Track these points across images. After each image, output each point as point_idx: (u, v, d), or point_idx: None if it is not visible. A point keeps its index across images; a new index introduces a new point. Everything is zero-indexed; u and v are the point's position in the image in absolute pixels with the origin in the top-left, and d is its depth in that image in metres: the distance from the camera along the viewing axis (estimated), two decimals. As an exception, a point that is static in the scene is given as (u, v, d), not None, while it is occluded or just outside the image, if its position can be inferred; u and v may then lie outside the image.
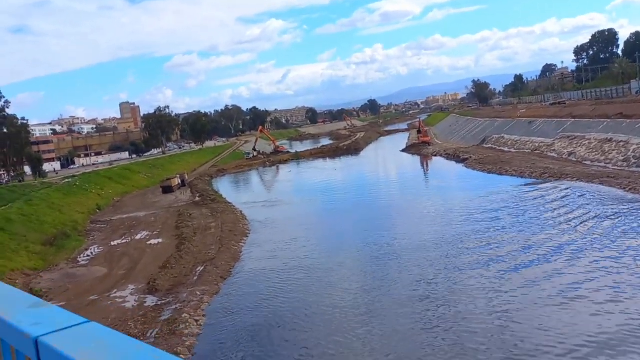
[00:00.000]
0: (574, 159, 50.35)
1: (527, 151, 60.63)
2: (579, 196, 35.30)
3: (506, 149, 65.46)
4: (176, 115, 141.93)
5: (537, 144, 60.63)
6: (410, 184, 54.00)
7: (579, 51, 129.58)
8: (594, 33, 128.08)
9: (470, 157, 62.22)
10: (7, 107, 77.25)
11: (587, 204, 32.77)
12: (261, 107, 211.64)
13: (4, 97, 76.98)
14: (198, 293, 25.12)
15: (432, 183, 55.11)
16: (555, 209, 33.06)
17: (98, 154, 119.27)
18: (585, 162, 47.78)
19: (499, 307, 19.31)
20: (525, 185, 42.81)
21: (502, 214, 33.82)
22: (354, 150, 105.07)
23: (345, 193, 52.85)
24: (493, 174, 50.76)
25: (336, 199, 49.62)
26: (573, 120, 60.07)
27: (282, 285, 25.92)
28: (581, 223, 28.81)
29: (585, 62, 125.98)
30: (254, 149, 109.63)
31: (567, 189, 38.06)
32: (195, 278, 27.99)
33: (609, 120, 52.66)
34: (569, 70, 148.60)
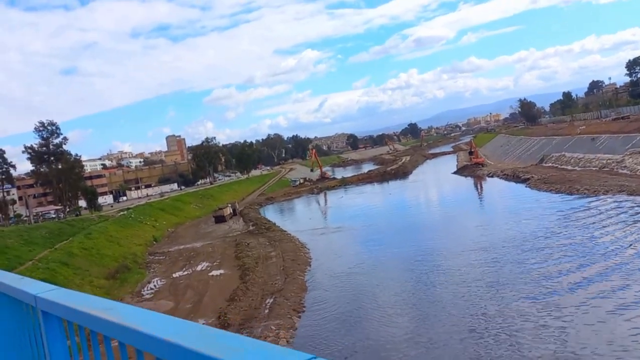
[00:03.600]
0: (650, 176, 47.13)
1: (593, 169, 57.35)
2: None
3: (569, 167, 62.25)
4: (223, 145, 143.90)
5: (604, 161, 57.32)
6: (478, 208, 51.41)
7: (631, 65, 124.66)
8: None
9: (532, 176, 59.38)
10: (65, 144, 79.51)
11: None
12: (300, 135, 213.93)
13: (61, 134, 79.42)
14: (273, 328, 23.77)
15: (501, 205, 50.50)
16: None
17: (148, 186, 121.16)
18: (665, 178, 44.59)
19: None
20: (603, 204, 39.95)
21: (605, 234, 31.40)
22: (402, 174, 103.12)
23: (404, 218, 50.72)
24: (561, 194, 47.96)
25: (398, 224, 47.48)
26: (642, 134, 56.65)
27: (359, 318, 24.33)
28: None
29: (639, 75, 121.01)
30: (312, 170, 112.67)
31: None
32: (267, 311, 26.71)
33: (685, 133, 49.33)
34: (617, 86, 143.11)
